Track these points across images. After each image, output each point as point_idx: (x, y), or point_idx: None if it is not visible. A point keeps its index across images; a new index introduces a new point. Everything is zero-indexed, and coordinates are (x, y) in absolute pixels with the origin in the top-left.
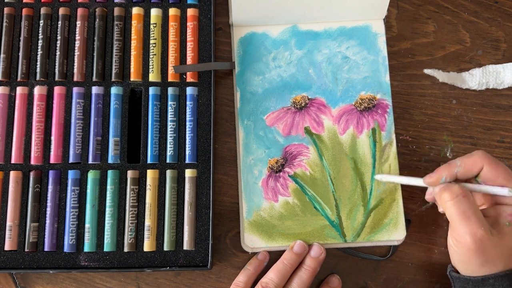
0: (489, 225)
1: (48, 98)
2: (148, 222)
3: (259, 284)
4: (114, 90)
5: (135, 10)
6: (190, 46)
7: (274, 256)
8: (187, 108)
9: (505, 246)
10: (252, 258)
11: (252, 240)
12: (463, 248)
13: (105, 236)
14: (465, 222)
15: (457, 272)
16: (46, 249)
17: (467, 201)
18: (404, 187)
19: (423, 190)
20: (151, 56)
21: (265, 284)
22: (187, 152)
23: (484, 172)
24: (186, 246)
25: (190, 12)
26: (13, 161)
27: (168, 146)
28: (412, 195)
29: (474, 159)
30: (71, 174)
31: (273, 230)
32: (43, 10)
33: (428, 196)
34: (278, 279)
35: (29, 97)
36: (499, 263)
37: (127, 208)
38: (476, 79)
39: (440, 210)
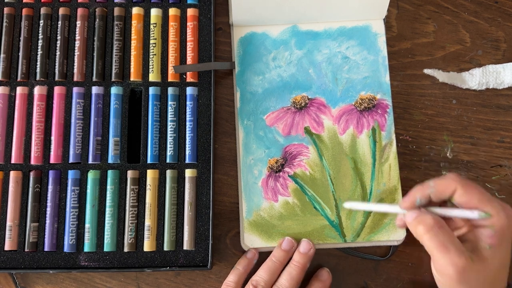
0: (469, 250)
1: (48, 98)
2: (148, 222)
3: (250, 283)
4: (114, 90)
5: (135, 10)
6: (190, 46)
7: (267, 255)
8: (187, 108)
9: (488, 270)
10: (241, 257)
11: (252, 240)
12: (447, 278)
13: (105, 236)
14: (445, 253)
15: None
16: (46, 249)
17: (443, 232)
18: (406, 186)
19: None
20: (151, 56)
21: (255, 282)
22: (187, 152)
23: (457, 195)
24: (186, 246)
25: (190, 12)
26: (13, 161)
27: (168, 146)
28: None
29: (447, 182)
30: (71, 174)
31: (272, 230)
32: (43, 10)
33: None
34: (267, 276)
35: (29, 97)
36: None
37: (127, 208)
38: (476, 79)
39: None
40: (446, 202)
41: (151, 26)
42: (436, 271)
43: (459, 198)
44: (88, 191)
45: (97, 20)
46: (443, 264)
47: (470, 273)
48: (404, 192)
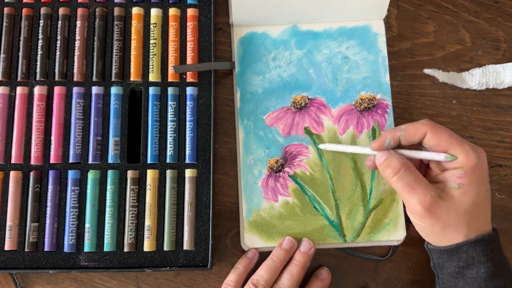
0: (440, 190)
1: (48, 98)
2: (148, 222)
3: (250, 282)
4: (114, 90)
5: (135, 10)
6: (190, 46)
7: (267, 255)
8: (187, 108)
9: (459, 209)
10: (241, 257)
11: (252, 240)
12: (419, 217)
13: (105, 236)
14: (412, 193)
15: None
16: (46, 249)
17: (409, 173)
18: None
19: None
20: (151, 56)
21: (256, 281)
22: (187, 152)
23: (427, 138)
24: (186, 246)
25: (190, 12)
26: (13, 161)
27: (168, 146)
28: None
29: (418, 126)
30: (71, 174)
31: (273, 230)
32: (43, 10)
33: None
34: (268, 275)
35: (29, 97)
36: (461, 228)
37: (127, 208)
38: (476, 79)
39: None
40: (418, 146)
41: (151, 26)
42: (409, 214)
43: (429, 141)
44: (88, 191)
45: (97, 20)
46: (412, 203)
47: (438, 209)
48: None
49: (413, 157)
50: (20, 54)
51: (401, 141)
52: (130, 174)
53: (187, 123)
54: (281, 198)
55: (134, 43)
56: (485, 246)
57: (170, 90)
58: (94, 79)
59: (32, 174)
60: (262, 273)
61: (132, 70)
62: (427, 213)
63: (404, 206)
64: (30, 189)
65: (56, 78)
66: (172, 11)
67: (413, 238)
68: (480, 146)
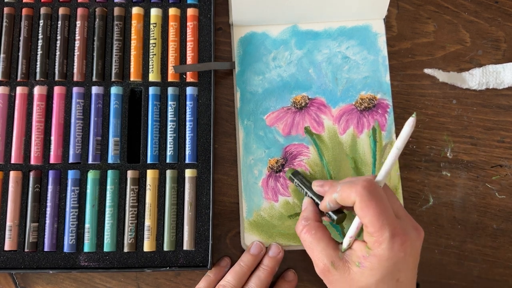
0: (346, 257)
1: (48, 98)
2: (148, 222)
3: (216, 287)
4: (114, 90)
5: (135, 10)
6: (190, 46)
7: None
8: (187, 108)
9: (353, 284)
10: (214, 266)
11: (252, 240)
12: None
13: (105, 236)
14: (311, 254)
15: None
16: (46, 249)
17: (309, 235)
18: (406, 186)
19: (424, 189)
20: (151, 56)
21: (222, 286)
22: (187, 152)
23: (355, 207)
24: (186, 246)
25: (190, 12)
26: (13, 161)
27: (168, 146)
28: (412, 195)
29: (350, 192)
30: (71, 174)
31: (273, 230)
32: (43, 10)
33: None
34: (235, 281)
35: (29, 97)
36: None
37: (127, 208)
38: (476, 79)
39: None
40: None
41: (151, 26)
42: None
43: (355, 211)
44: (88, 191)
45: (97, 20)
46: (314, 261)
47: (331, 277)
48: (405, 192)
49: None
50: (20, 54)
51: (338, 202)
52: (130, 174)
53: (187, 123)
54: (281, 198)
55: (134, 43)
56: None
57: (170, 90)
58: (94, 79)
59: (32, 174)
60: (229, 279)
61: (132, 70)
62: (322, 276)
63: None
64: (30, 189)
65: (56, 78)
66: (172, 11)
67: None
68: (480, 146)
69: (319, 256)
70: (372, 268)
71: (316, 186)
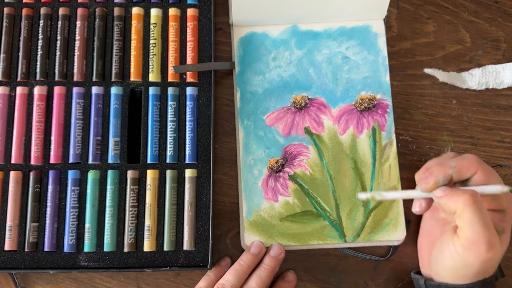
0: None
1: (48, 98)
2: (148, 222)
3: (216, 286)
4: (114, 90)
5: (135, 10)
6: (190, 46)
7: None
8: (187, 108)
9: (500, 254)
10: (214, 266)
11: (252, 240)
12: (474, 255)
13: (105, 236)
14: (484, 229)
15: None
16: (46, 249)
17: (485, 209)
18: (406, 186)
19: None
20: (151, 56)
21: (221, 285)
22: (187, 152)
23: (477, 176)
24: (186, 246)
25: (190, 12)
26: (13, 161)
27: (168, 146)
28: None
29: (470, 163)
30: (71, 174)
31: (273, 230)
32: (43, 10)
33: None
34: (234, 279)
35: (29, 97)
36: (488, 271)
37: (127, 208)
38: (475, 79)
39: (416, 210)
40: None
41: (151, 26)
42: (461, 247)
43: (478, 179)
44: (88, 191)
45: (97, 20)
46: (476, 240)
47: (495, 255)
48: None
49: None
50: (20, 54)
51: (452, 178)
52: (130, 174)
53: (187, 123)
54: (281, 198)
55: (134, 43)
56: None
57: (170, 90)
58: (94, 79)
59: (32, 174)
60: (229, 277)
61: (132, 70)
62: (489, 255)
63: (403, 209)
64: (30, 189)
65: (56, 78)
66: (172, 11)
67: (413, 238)
68: (480, 146)
69: (495, 233)
70: (509, 227)
71: (424, 185)
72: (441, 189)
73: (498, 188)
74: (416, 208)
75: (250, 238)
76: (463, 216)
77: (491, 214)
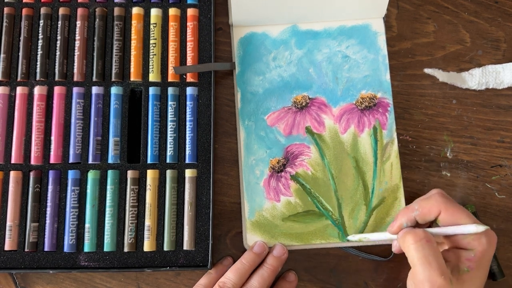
0: (449, 270)
1: (48, 98)
2: (148, 222)
3: (217, 285)
4: (114, 90)
5: (135, 10)
6: (190, 46)
7: None
8: (187, 108)
9: None
10: (216, 264)
11: (254, 241)
12: None
13: (105, 236)
14: (426, 268)
15: None
16: (46, 249)
17: (430, 247)
18: (406, 186)
19: (424, 189)
20: (151, 56)
21: (223, 283)
22: (187, 152)
23: (441, 216)
24: (186, 246)
25: (190, 12)
26: (13, 161)
27: (168, 146)
28: (412, 195)
29: (431, 204)
30: (71, 174)
31: (275, 230)
32: (43, 10)
33: (394, 248)
34: (236, 278)
35: (29, 97)
36: None
37: (127, 208)
38: (475, 79)
39: (393, 250)
40: (432, 223)
41: (151, 26)
42: (413, 284)
43: (444, 220)
44: (88, 191)
45: (97, 20)
46: (421, 279)
47: None
48: (406, 191)
49: (440, 234)
50: (20, 54)
51: (417, 220)
52: (130, 174)
53: (187, 123)
54: (283, 198)
55: (134, 43)
56: None
57: (170, 90)
58: (94, 79)
59: (32, 174)
60: (230, 275)
61: (132, 70)
62: None
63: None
64: (30, 189)
65: (56, 78)
66: (172, 11)
67: None
68: (480, 146)
69: (439, 271)
70: (479, 267)
71: (391, 229)
72: (401, 231)
73: (472, 228)
74: (392, 249)
75: (252, 238)
76: (408, 255)
77: (456, 253)
